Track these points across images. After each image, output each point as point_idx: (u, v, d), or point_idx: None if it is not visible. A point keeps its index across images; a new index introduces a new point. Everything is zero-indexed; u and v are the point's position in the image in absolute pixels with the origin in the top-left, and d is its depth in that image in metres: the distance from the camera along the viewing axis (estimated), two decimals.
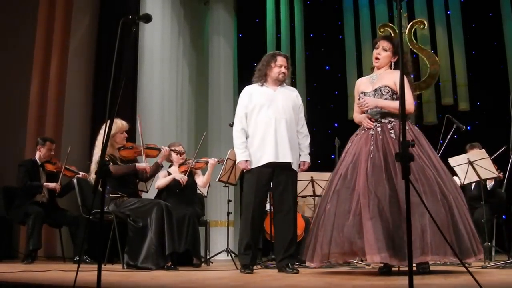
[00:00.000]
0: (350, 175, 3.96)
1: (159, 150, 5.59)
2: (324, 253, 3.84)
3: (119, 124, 5.39)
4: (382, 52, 4.25)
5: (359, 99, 4.29)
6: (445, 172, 4.00)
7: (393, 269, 4.04)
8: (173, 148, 6.04)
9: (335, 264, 4.70)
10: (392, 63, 4.28)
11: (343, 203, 3.86)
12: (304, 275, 4.13)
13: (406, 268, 2.57)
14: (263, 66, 4.85)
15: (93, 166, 5.23)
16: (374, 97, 4.16)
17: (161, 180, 6.17)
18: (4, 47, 7.72)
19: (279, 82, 4.84)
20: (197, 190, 6.56)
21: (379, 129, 4.07)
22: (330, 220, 3.87)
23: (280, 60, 4.83)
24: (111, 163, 5.20)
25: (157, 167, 5.59)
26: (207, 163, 6.29)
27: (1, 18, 7.80)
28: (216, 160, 6.27)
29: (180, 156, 6.22)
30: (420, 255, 3.59)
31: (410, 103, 4.02)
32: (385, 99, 4.11)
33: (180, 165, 6.30)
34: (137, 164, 5.39)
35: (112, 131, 5.16)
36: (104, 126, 4.95)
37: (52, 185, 6.40)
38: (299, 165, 4.77)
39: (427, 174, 3.83)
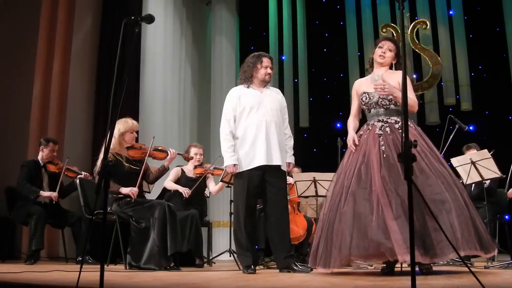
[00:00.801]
0: (364, 176, 3.91)
1: (166, 153, 5.55)
2: (343, 256, 3.75)
3: (130, 123, 5.37)
4: (388, 52, 4.27)
5: (362, 99, 4.28)
6: (451, 170, 4.04)
7: (396, 269, 4.04)
8: (194, 153, 6.27)
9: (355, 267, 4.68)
10: (393, 65, 4.31)
11: (362, 205, 3.79)
12: (306, 275, 4.13)
13: (409, 268, 2.57)
14: (248, 68, 4.83)
15: (99, 164, 5.18)
16: (379, 97, 4.15)
17: (170, 183, 6.24)
18: (7, 47, 7.73)
19: (265, 83, 4.84)
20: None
21: (387, 129, 4.06)
22: (347, 222, 3.78)
23: (266, 61, 4.82)
24: (120, 159, 5.22)
25: (163, 170, 5.56)
26: None
27: (4, 18, 7.82)
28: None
29: (198, 158, 6.33)
30: (453, 251, 3.58)
31: (415, 102, 4.17)
32: (391, 99, 4.11)
33: (196, 167, 6.32)
34: (122, 188, 5.17)
35: (122, 130, 5.23)
36: (116, 125, 4.98)
37: (47, 194, 6.36)
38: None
39: (442, 172, 3.86)
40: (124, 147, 5.32)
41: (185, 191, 6.02)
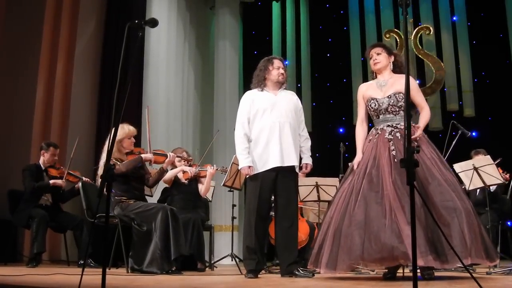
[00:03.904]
0: (375, 179, 3.90)
1: (166, 156, 5.57)
2: (353, 259, 3.73)
3: (126, 129, 5.37)
4: (378, 57, 4.28)
5: (371, 106, 4.25)
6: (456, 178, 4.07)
7: (398, 274, 4.03)
8: (178, 155, 6.06)
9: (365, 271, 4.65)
10: (391, 63, 4.30)
11: (374, 208, 3.77)
12: (308, 280, 4.11)
13: (411, 274, 2.56)
14: (261, 71, 4.83)
15: (100, 171, 5.19)
16: (389, 104, 4.15)
17: (169, 173, 6.09)
18: (11, 51, 7.75)
19: (280, 85, 4.82)
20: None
21: (398, 134, 4.05)
22: (358, 225, 3.76)
23: (277, 63, 4.82)
24: (118, 163, 5.19)
25: (162, 173, 5.59)
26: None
27: (8, 23, 7.84)
28: (215, 168, 6.25)
29: (186, 162, 6.23)
30: (464, 258, 3.57)
31: (429, 112, 4.24)
32: (400, 105, 4.11)
33: (184, 171, 6.30)
34: (142, 155, 5.34)
35: (120, 136, 5.20)
36: (112, 131, 5.10)
37: (59, 181, 6.39)
38: (301, 167, 4.79)
39: (452, 180, 3.90)
40: (123, 153, 5.36)
41: (190, 170, 6.04)
